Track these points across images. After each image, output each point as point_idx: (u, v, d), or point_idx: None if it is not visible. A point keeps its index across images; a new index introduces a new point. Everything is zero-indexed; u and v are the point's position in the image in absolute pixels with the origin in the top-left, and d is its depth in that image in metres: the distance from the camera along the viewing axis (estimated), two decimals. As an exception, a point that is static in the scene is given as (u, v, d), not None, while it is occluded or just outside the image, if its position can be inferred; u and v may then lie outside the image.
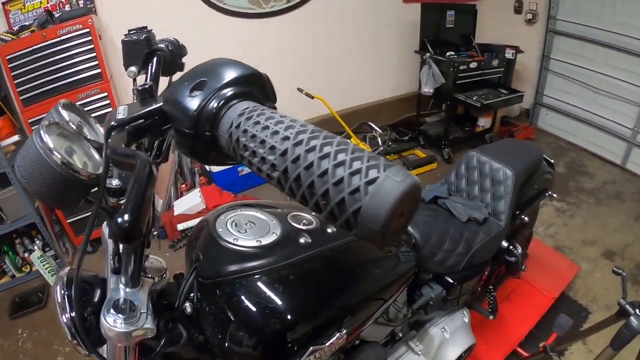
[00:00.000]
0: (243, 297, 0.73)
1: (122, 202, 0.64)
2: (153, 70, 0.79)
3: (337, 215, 0.30)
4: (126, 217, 0.39)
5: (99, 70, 2.37)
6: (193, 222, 2.60)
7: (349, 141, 0.33)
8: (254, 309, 0.73)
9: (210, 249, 0.79)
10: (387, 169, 0.29)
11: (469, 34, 3.93)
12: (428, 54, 3.58)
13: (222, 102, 0.44)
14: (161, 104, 0.50)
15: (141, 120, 0.51)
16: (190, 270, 0.78)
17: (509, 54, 3.79)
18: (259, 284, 0.75)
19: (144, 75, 0.80)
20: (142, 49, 0.78)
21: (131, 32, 0.81)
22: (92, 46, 2.32)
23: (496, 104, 3.62)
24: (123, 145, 0.48)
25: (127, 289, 0.61)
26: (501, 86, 3.88)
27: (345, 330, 0.83)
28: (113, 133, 0.49)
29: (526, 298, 2.05)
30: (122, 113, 0.51)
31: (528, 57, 4.07)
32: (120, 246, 0.62)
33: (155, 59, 0.79)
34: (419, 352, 1.24)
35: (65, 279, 0.65)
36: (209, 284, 0.76)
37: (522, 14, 4.13)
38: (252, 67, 0.47)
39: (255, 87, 0.47)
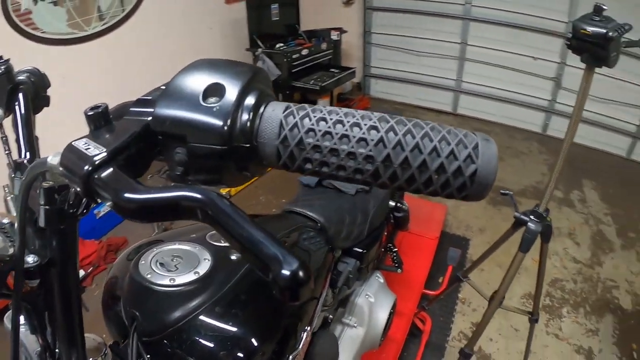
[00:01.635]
0: (202, 340, 0.66)
1: (33, 284, 0.50)
2: (22, 110, 0.63)
3: (451, 184, 0.32)
4: (294, 264, 0.30)
5: None
6: None
7: (418, 120, 0.35)
8: (218, 346, 0.66)
9: (146, 301, 0.68)
10: (476, 134, 0.33)
11: (294, 24, 4.10)
12: (260, 49, 3.65)
13: (254, 106, 0.37)
14: (144, 124, 0.38)
15: (127, 152, 0.38)
16: (131, 333, 0.66)
17: (334, 35, 4.08)
18: (213, 318, 0.68)
19: (11, 118, 0.63)
20: (3, 84, 0.62)
21: None
22: None
23: (332, 84, 3.87)
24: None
25: None
26: (332, 66, 4.16)
27: (306, 331, 0.82)
28: (97, 178, 0.34)
29: (415, 246, 2.27)
30: (93, 148, 0.36)
31: (351, 35, 4.41)
32: (49, 334, 0.50)
33: (20, 95, 0.63)
34: (355, 325, 1.30)
35: None
36: (157, 340, 0.66)
37: (339, -3, 4.46)
38: (250, 64, 0.41)
39: (264, 84, 0.41)
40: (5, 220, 0.53)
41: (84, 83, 2.82)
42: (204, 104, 0.36)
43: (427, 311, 1.98)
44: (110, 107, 0.44)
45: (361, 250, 1.33)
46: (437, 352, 1.95)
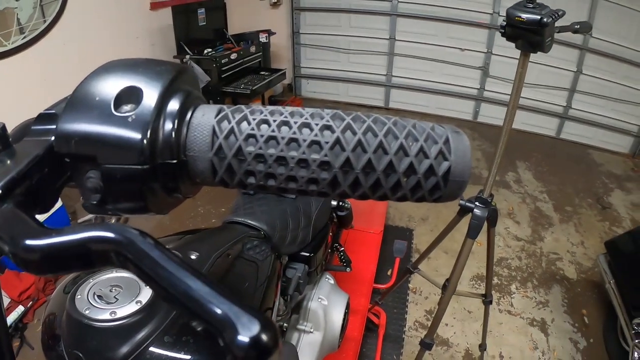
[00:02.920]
0: None
1: None
2: None
3: (423, 186, 0.28)
4: (256, 325, 0.23)
5: None
6: (8, 320, 2.07)
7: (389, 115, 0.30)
8: None
9: (88, 339, 0.62)
10: (444, 126, 0.29)
11: (221, 28, 4.01)
12: (188, 56, 3.54)
13: (179, 111, 0.30)
14: (47, 145, 0.31)
15: (26, 182, 0.29)
16: None
17: (262, 38, 4.04)
18: (162, 348, 0.62)
19: None
20: None
21: None
22: None
23: (262, 87, 3.83)
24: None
25: None
26: (262, 69, 4.12)
27: None
28: None
29: (360, 242, 2.28)
30: None
31: (280, 37, 4.39)
32: None
33: None
34: (312, 330, 1.28)
35: None
36: None
37: (265, 0, 4.41)
38: (172, 62, 0.34)
39: (191, 84, 0.34)
40: None
41: (6, 99, 2.62)
42: (117, 114, 0.29)
43: (381, 305, 2.00)
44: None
45: (308, 254, 1.31)
46: (395, 343, 1.98)
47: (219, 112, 0.31)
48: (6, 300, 2.16)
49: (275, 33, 4.14)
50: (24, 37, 2.75)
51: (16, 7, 2.64)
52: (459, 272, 1.45)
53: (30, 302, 2.20)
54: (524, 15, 0.98)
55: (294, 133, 0.28)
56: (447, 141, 0.29)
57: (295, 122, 0.29)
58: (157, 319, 0.64)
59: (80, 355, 0.61)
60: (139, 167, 0.29)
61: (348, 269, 1.61)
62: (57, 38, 2.97)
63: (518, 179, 3.33)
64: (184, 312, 0.25)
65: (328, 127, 0.29)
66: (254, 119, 0.30)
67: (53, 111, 0.33)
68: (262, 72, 4.05)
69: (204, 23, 3.80)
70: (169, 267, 0.25)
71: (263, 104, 4.17)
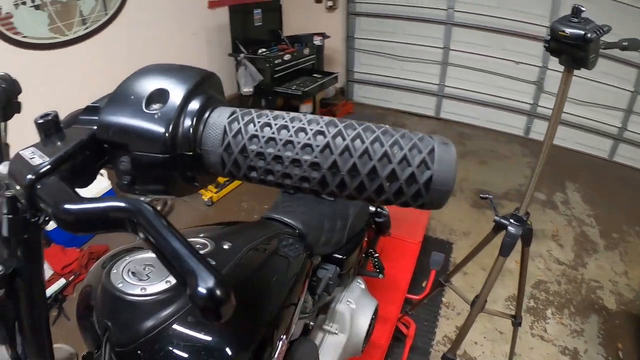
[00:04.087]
0: (175, 350, 0.65)
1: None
2: None
3: (405, 192, 0.30)
4: (211, 281, 0.28)
5: None
6: (47, 293, 2.23)
7: (381, 124, 0.33)
8: (191, 356, 0.65)
9: (118, 311, 0.68)
10: (433, 137, 0.31)
11: (277, 29, 4.11)
12: (242, 55, 3.63)
13: (198, 111, 0.36)
14: (91, 132, 0.38)
15: (71, 161, 0.37)
16: (103, 343, 0.65)
17: (317, 41, 4.09)
18: (185, 327, 0.67)
19: None
20: None
21: None
22: None
23: (314, 89, 3.87)
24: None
25: None
26: (315, 72, 4.16)
27: (282, 340, 0.81)
28: (39, 188, 0.34)
29: (398, 250, 2.27)
30: (37, 158, 0.36)
31: (334, 40, 4.43)
32: (19, 345, 0.50)
33: None
34: (336, 331, 1.29)
35: None
36: (130, 351, 0.65)
37: (322, 3, 4.46)
38: (201, 69, 0.40)
39: (215, 89, 0.40)
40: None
41: (65, 86, 2.80)
42: (147, 111, 0.35)
43: (411, 316, 1.98)
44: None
45: (341, 257, 1.32)
46: (421, 356, 1.94)
47: (232, 114, 0.36)
48: (49, 272, 2.32)
49: (329, 37, 4.18)
50: (86, 28, 2.92)
51: (80, 0, 2.81)
52: (488, 289, 1.42)
53: (72, 276, 2.33)
54: (568, 30, 0.95)
55: (291, 136, 0.32)
56: (431, 151, 0.30)
57: (294, 127, 0.32)
58: (183, 299, 0.68)
59: (109, 324, 0.66)
60: (161, 155, 0.35)
61: (381, 276, 1.60)
62: (117, 31, 3.13)
63: (566, 200, 3.18)
64: (166, 266, 0.30)
65: (321, 132, 0.32)
66: (259, 122, 0.34)
67: (97, 104, 0.40)
68: (314, 75, 4.09)
69: (260, 23, 3.91)
70: (162, 232, 0.30)
71: (314, 106, 4.27)
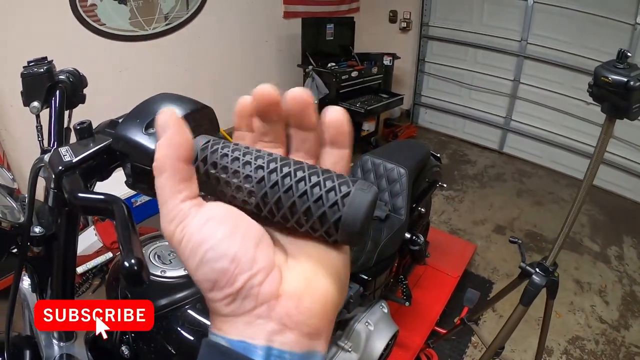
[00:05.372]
0: (181, 329, 0.72)
1: (38, 250, 0.63)
2: (57, 105, 0.74)
3: (318, 228, 0.35)
4: (133, 259, 0.39)
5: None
6: (94, 262, 2.43)
7: (316, 165, 0.36)
8: (194, 338, 0.72)
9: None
10: (355, 184, 0.34)
11: (348, 45, 4.16)
12: (310, 67, 3.72)
13: None
14: (108, 141, 0.51)
15: (91, 161, 0.52)
16: None
17: (386, 60, 4.10)
18: (194, 312, 0.75)
19: (47, 110, 0.75)
20: (43, 82, 0.73)
21: (30, 64, 0.74)
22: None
23: (378, 108, 3.88)
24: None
25: (62, 344, 0.59)
26: (382, 91, 4.16)
27: None
28: (65, 177, 0.50)
29: (434, 281, 2.23)
30: (68, 155, 0.51)
31: (404, 62, 4.42)
32: (48, 297, 0.60)
33: (58, 92, 0.75)
34: (350, 349, 1.30)
35: None
36: None
37: (396, 23, 4.49)
38: (199, 102, 0.49)
39: (206, 120, 0.48)
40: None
41: (139, 78, 3.00)
42: (144, 133, 0.45)
43: (434, 349, 1.94)
44: None
45: (366, 277, 1.34)
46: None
47: (206, 142, 0.41)
48: (99, 244, 2.52)
49: (400, 57, 4.18)
50: (167, 24, 3.12)
51: (162, -2, 3.01)
52: (504, 335, 1.37)
53: (119, 252, 2.53)
54: (611, 76, 0.89)
55: (238, 167, 0.37)
56: (346, 195, 0.34)
57: (243, 160, 0.37)
58: (195, 288, 0.76)
59: (129, 296, 0.77)
60: (149, 168, 0.42)
61: (407, 304, 1.59)
62: (194, 30, 3.31)
63: (620, 255, 2.95)
64: (118, 242, 0.41)
65: (261, 167, 0.36)
66: (220, 152, 0.40)
67: (118, 120, 0.54)
68: (381, 94, 4.09)
69: (331, 38, 3.98)
70: (123, 222, 0.43)
71: (377, 125, 4.29)
